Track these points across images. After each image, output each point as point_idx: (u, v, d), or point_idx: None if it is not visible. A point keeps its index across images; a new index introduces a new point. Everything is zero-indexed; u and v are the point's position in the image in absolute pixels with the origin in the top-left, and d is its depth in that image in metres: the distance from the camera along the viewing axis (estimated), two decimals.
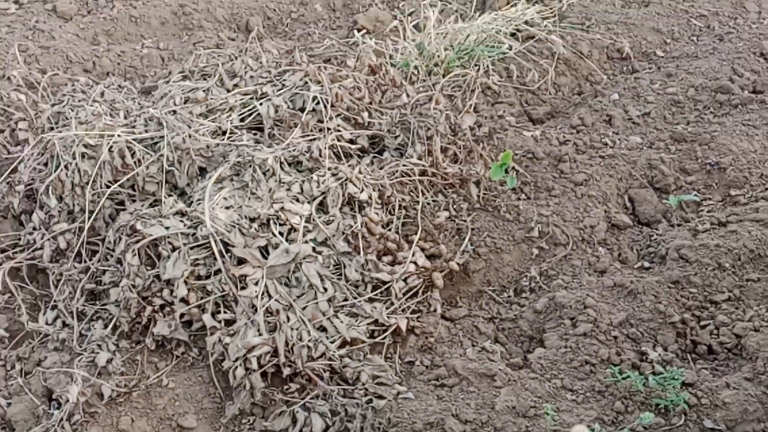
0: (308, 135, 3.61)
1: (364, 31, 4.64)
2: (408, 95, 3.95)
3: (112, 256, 3.23)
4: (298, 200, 3.34)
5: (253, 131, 3.73)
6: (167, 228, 3.15)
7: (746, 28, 4.67)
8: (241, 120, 3.73)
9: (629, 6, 4.94)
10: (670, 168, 3.77)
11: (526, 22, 4.67)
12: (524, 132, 4.03)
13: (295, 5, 4.81)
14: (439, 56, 4.38)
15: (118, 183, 3.38)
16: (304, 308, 3.05)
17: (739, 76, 4.25)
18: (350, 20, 4.84)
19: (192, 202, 3.35)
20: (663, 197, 3.72)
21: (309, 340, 2.94)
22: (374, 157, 3.71)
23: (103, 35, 4.53)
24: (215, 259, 3.08)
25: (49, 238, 3.35)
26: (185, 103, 3.78)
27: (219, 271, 3.08)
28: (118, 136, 3.44)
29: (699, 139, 3.90)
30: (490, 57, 4.41)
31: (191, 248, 3.13)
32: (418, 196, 3.57)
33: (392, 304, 3.18)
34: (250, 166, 3.39)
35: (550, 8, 4.81)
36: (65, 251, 3.31)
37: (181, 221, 3.21)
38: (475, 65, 4.37)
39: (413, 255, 3.30)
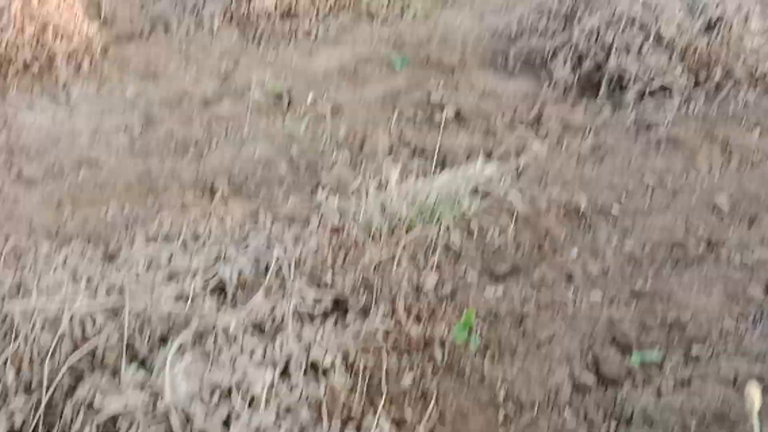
0: (271, 298, 3.61)
1: (328, 190, 4.72)
2: (371, 255, 4.00)
3: None
4: (261, 366, 3.31)
5: (217, 292, 3.73)
6: (126, 402, 3.09)
7: (698, 184, 4.81)
8: (205, 283, 3.74)
9: (584, 164, 5.09)
10: (631, 325, 3.80)
11: (485, 180, 4.78)
12: (487, 290, 4.07)
13: (259, 165, 4.90)
14: (401, 215, 4.45)
15: (78, 353, 3.33)
16: None
17: (694, 232, 4.35)
18: (313, 180, 4.92)
19: (153, 370, 3.30)
20: (626, 354, 3.72)
21: None
22: (338, 318, 3.72)
23: (68, 200, 4.57)
24: None
25: (6, 415, 3.26)
26: (148, 267, 3.79)
27: None
28: (79, 305, 3.42)
29: (658, 294, 3.95)
30: (451, 214, 4.49)
31: (151, 422, 3.06)
32: (382, 358, 3.55)
33: None
34: (213, 331, 3.37)
35: (508, 165, 4.95)
36: (21, 428, 3.22)
37: (141, 393, 3.15)
38: (437, 223, 4.44)
39: (378, 422, 3.26)
